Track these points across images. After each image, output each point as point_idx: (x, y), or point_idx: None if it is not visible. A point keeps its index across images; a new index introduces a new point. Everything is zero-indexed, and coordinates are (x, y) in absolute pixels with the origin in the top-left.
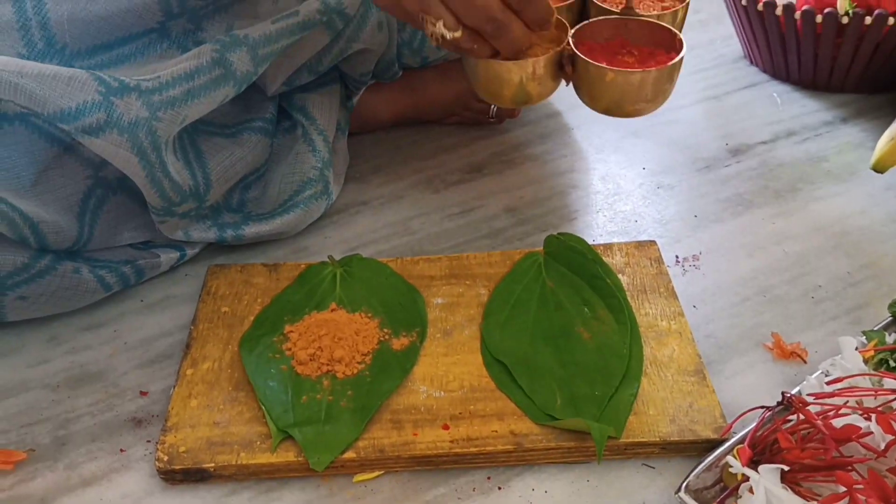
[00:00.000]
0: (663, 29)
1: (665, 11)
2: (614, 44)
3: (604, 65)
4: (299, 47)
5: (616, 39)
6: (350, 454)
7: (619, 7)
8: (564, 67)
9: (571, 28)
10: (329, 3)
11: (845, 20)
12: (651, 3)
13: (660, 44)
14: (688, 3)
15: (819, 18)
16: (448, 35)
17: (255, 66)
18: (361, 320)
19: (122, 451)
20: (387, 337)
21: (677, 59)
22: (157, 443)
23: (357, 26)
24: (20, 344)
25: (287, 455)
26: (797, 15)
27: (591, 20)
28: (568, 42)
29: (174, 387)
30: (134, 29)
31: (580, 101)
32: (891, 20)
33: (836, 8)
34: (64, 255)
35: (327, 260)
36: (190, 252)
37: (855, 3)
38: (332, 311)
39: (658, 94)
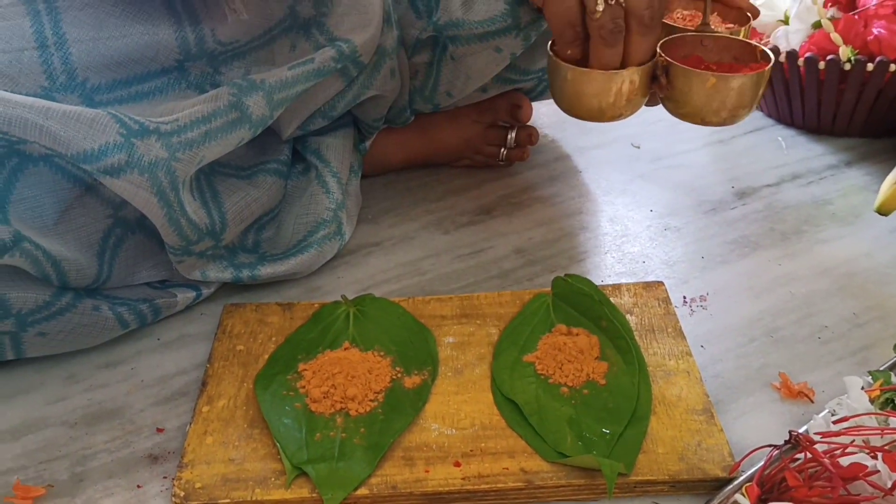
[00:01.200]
0: (741, 44)
1: (730, 31)
2: (691, 60)
3: (706, 70)
4: (314, 93)
5: (692, 56)
6: (363, 491)
7: (693, 26)
8: (658, 79)
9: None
10: (344, 51)
11: (847, 67)
12: (715, 25)
13: (738, 58)
14: (750, 26)
15: (822, 65)
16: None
17: (271, 110)
18: (374, 359)
19: (138, 487)
20: (399, 375)
21: (771, 63)
22: (173, 479)
23: (370, 74)
24: (39, 382)
25: (301, 491)
26: (800, 62)
27: (667, 38)
28: (660, 54)
29: (190, 424)
30: (153, 66)
31: (583, 145)
32: (892, 67)
33: (838, 55)
34: (84, 293)
35: (340, 299)
36: (206, 291)
37: (857, 51)
38: (346, 349)
39: (755, 99)
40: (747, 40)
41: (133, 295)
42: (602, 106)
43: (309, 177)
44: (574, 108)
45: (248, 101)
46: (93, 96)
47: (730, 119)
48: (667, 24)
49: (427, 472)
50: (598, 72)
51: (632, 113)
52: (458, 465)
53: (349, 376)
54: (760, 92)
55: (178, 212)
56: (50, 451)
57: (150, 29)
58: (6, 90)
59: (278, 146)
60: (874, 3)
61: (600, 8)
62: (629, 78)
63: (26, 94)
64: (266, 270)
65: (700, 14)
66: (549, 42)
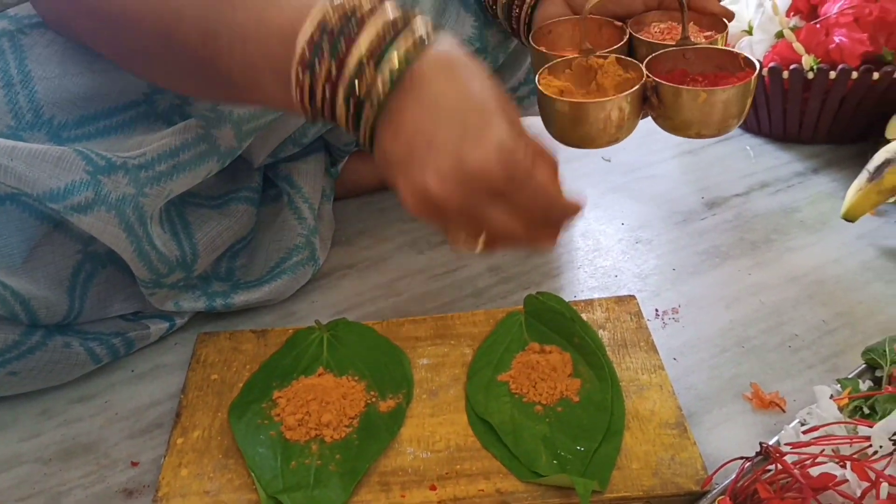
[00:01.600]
0: (722, 52)
1: (709, 39)
2: (677, 74)
3: (695, 87)
4: (283, 121)
5: (677, 70)
6: None
7: (671, 38)
8: (649, 99)
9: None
10: None
11: (811, 76)
12: (693, 35)
13: (722, 67)
14: (727, 31)
15: (785, 74)
16: (475, 251)
17: (240, 141)
18: (348, 384)
19: None
20: (374, 399)
21: (757, 72)
22: None
23: None
24: (12, 418)
25: None
26: (764, 72)
27: (652, 55)
28: (647, 74)
29: (165, 456)
30: (120, 100)
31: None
32: (854, 74)
33: (801, 64)
34: (55, 330)
35: (314, 325)
36: (179, 321)
37: (819, 59)
38: (320, 375)
39: (744, 109)
40: (729, 49)
41: (105, 329)
42: (594, 134)
43: (280, 203)
44: (567, 138)
45: (216, 133)
46: (60, 133)
47: (723, 129)
48: (647, 40)
49: (403, 496)
50: (589, 102)
51: (627, 136)
52: (433, 488)
53: (323, 402)
54: (749, 100)
55: (147, 246)
56: (24, 489)
57: (116, 67)
58: None
59: (249, 174)
60: (835, 11)
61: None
62: (619, 104)
63: None
64: (240, 298)
65: (676, 26)
66: (538, 74)
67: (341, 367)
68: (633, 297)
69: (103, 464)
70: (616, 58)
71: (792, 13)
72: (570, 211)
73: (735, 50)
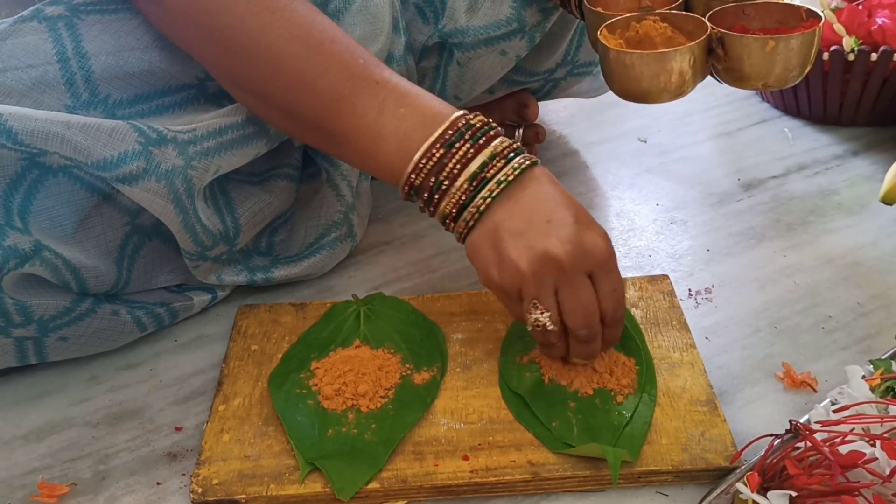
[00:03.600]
0: (782, 7)
1: None
2: (736, 30)
3: (762, 35)
4: None
5: (736, 27)
6: (374, 485)
7: None
8: (714, 51)
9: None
10: None
11: (851, 57)
12: None
13: (783, 22)
14: None
15: (826, 56)
16: (549, 326)
17: None
18: (384, 356)
19: (158, 484)
20: (409, 372)
21: (822, 21)
22: (191, 476)
23: None
24: (63, 383)
25: (314, 486)
26: None
27: (711, 11)
28: (711, 26)
29: (207, 422)
30: (173, 83)
31: (591, 140)
32: None
33: (842, 46)
34: (103, 298)
35: (351, 299)
36: (221, 294)
37: (861, 41)
38: (357, 347)
39: (810, 59)
40: (788, 3)
41: (151, 299)
42: (661, 87)
43: (320, 180)
44: (631, 93)
45: None
46: (115, 111)
47: (790, 80)
48: None
49: (437, 465)
50: (656, 52)
51: (692, 89)
52: (466, 458)
53: (360, 373)
54: (815, 51)
55: (193, 218)
56: (73, 451)
57: (171, 51)
58: (31, 107)
59: (290, 151)
60: None
61: (529, 328)
62: (686, 55)
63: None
64: (279, 273)
65: None
66: (599, 29)
67: (377, 340)
68: (666, 276)
69: (149, 428)
70: (662, 15)
71: None
72: (621, 326)
73: (794, 4)
